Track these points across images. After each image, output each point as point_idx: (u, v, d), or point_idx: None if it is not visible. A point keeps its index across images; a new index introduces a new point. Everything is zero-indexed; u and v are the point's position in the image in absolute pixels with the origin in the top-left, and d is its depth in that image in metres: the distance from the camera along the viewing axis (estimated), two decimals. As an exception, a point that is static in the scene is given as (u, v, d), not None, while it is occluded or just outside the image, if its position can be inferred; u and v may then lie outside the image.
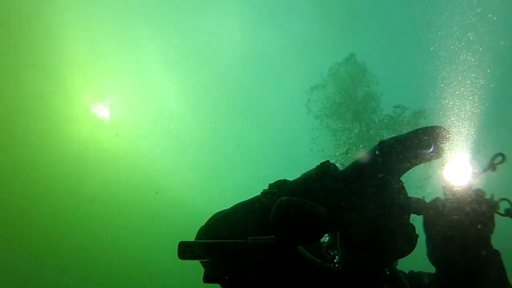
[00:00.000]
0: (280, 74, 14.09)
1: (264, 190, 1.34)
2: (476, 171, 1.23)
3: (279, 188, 1.31)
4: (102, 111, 13.93)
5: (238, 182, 14.70)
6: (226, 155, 16.00)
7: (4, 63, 12.20)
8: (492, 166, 1.20)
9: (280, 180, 1.37)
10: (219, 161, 16.03)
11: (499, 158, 1.18)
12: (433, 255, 1.32)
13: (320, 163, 1.30)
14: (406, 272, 1.56)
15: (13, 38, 11.89)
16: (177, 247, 1.18)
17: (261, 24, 14.22)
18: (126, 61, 13.76)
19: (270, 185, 1.36)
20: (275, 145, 15.33)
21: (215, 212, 1.47)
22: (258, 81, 14.98)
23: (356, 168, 1.23)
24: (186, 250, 1.17)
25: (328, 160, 1.30)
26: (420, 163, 1.20)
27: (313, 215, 1.07)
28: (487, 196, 1.24)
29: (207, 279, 1.17)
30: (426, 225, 1.37)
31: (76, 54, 12.90)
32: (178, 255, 1.16)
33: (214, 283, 1.18)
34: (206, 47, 14.23)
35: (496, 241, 1.30)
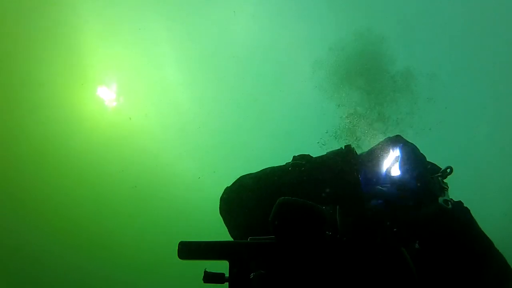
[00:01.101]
0: (293, 66, 14.05)
1: (292, 162, 1.48)
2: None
3: (306, 160, 1.45)
4: (115, 97, 13.91)
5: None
6: (239, 146, 15.93)
7: (25, 54, 12.27)
8: (443, 175, 1.42)
9: (303, 154, 1.51)
10: (234, 154, 15.96)
11: (448, 170, 1.41)
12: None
13: (344, 146, 1.46)
14: None
15: (34, 29, 11.98)
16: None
17: (276, 15, 14.23)
18: (139, 50, 13.78)
19: (295, 157, 1.50)
20: (287, 137, 15.24)
21: (242, 175, 1.57)
22: (269, 73, 14.97)
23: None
24: (186, 250, 1.17)
25: (350, 144, 1.46)
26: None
27: (313, 215, 1.07)
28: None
29: (207, 279, 1.17)
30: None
31: (91, 43, 12.92)
32: (178, 255, 1.17)
33: (214, 283, 1.18)
34: (218, 39, 14.24)
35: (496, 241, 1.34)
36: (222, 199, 1.57)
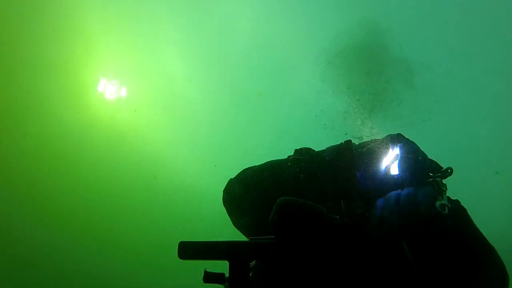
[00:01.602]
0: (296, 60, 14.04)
1: (293, 156, 1.49)
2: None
3: (305, 155, 1.47)
4: (117, 89, 13.89)
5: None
6: (241, 139, 15.90)
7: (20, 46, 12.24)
8: (443, 176, 1.41)
9: (305, 148, 1.52)
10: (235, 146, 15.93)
11: (449, 171, 1.41)
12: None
13: (345, 141, 1.48)
14: None
15: (36, 22, 11.93)
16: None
17: (279, 10, 14.20)
18: (141, 40, 13.76)
19: (296, 150, 1.51)
20: (290, 130, 15.21)
21: (245, 168, 1.60)
22: (274, 66, 14.93)
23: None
24: (186, 250, 1.16)
25: (350, 140, 1.49)
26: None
27: (313, 216, 1.07)
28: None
29: (207, 279, 1.18)
30: None
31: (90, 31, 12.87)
32: (178, 255, 1.16)
33: (214, 283, 1.18)
34: (222, 32, 14.22)
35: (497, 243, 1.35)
36: (225, 191, 1.60)
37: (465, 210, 1.42)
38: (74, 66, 12.95)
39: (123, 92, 13.97)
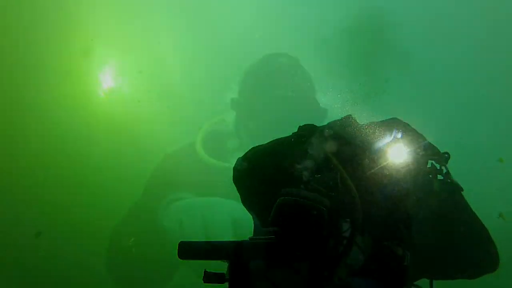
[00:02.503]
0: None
1: (295, 133, 1.54)
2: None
3: (308, 131, 1.51)
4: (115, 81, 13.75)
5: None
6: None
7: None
8: (441, 160, 1.45)
9: (309, 124, 1.56)
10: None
11: (446, 155, 1.44)
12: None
13: (345, 116, 1.52)
14: None
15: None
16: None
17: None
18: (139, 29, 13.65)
19: (300, 127, 1.56)
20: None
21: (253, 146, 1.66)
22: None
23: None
24: (186, 250, 1.17)
25: (350, 115, 1.52)
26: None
27: (313, 216, 1.07)
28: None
29: (207, 279, 1.18)
30: None
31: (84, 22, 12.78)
32: (178, 255, 1.17)
33: (214, 283, 1.18)
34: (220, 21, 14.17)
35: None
36: (234, 168, 1.65)
37: (460, 191, 1.45)
38: (73, 60, 12.88)
39: (125, 85, 13.86)
